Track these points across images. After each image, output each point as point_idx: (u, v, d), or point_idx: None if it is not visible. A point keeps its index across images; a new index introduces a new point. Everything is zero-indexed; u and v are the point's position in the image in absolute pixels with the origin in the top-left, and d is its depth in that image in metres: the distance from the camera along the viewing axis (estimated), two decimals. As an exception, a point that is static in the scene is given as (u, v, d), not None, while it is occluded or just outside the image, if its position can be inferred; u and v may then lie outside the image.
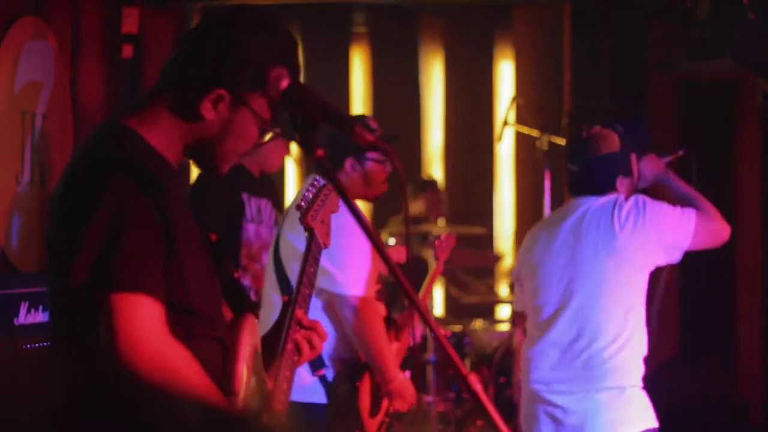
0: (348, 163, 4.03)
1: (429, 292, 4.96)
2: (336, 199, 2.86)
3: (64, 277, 2.12)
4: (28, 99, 5.12)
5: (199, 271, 2.26)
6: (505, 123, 6.62)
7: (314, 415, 3.96)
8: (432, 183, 7.35)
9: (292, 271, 3.98)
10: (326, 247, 2.82)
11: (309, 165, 7.02)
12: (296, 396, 3.97)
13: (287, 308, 2.55)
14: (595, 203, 3.85)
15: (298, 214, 4.16)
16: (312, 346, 2.56)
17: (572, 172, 3.94)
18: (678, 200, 3.94)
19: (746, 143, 6.84)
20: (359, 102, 8.18)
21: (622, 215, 3.78)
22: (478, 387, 1.96)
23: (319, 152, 2.13)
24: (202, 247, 2.34)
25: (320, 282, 3.92)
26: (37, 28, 5.22)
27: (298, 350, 2.52)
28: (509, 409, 6.44)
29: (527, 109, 6.93)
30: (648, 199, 3.84)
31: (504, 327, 7.30)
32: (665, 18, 6.89)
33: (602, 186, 3.87)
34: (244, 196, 4.99)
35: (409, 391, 4.10)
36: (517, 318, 4.28)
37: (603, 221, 3.80)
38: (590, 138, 3.90)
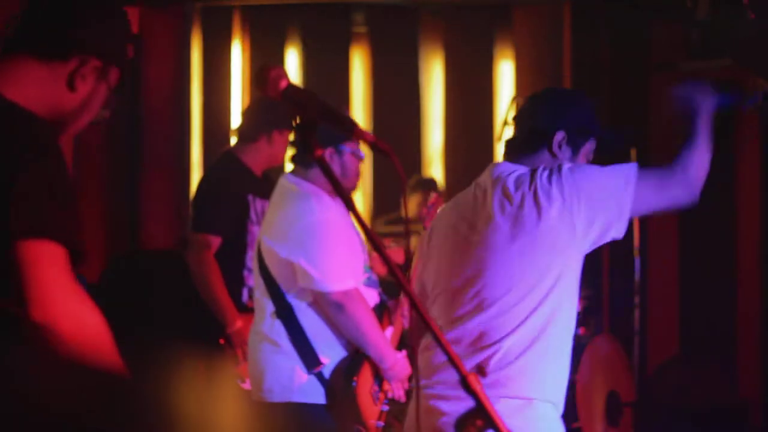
0: (326, 153, 4.04)
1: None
2: None
3: None
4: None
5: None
6: (505, 123, 6.62)
7: (312, 416, 3.96)
8: (427, 182, 7.32)
9: (279, 278, 4.01)
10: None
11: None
12: (294, 396, 3.99)
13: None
14: (510, 175, 3.18)
15: (272, 219, 4.19)
16: None
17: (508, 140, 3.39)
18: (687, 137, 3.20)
19: (746, 143, 6.83)
20: (359, 102, 8.18)
21: (533, 186, 3.09)
22: (478, 387, 1.96)
23: (319, 152, 2.13)
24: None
25: (300, 281, 3.94)
26: (37, 28, 5.21)
27: None
28: (509, 409, 6.44)
29: (527, 109, 6.91)
30: (570, 167, 3.12)
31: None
32: (665, 18, 6.89)
33: (531, 144, 3.24)
34: (249, 197, 5.00)
35: (407, 371, 4.13)
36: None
37: (507, 194, 3.13)
38: (533, 96, 3.37)
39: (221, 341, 4.80)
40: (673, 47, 6.99)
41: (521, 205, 3.09)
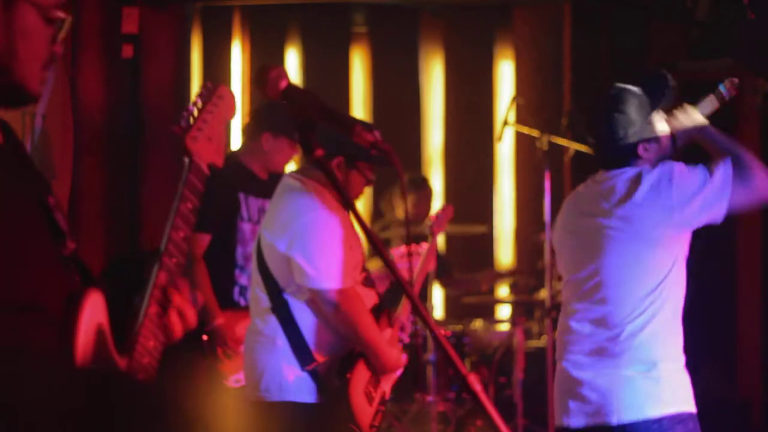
0: (335, 161, 4.04)
1: (425, 271, 4.95)
2: (229, 104, 2.30)
3: None
4: (28, 99, 5.12)
5: (16, 251, 1.90)
6: (505, 123, 6.62)
7: (305, 415, 3.96)
8: (419, 181, 7.30)
9: (277, 274, 4.00)
10: (218, 166, 2.28)
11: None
12: (288, 394, 3.99)
13: (153, 262, 2.19)
14: (618, 178, 3.62)
15: (273, 214, 4.19)
16: (182, 316, 2.12)
17: (593, 146, 3.75)
18: (718, 155, 3.61)
19: (746, 143, 6.82)
20: (359, 102, 8.18)
21: (644, 190, 3.54)
22: (478, 387, 1.97)
23: (319, 152, 2.13)
24: (26, 222, 1.96)
25: (296, 278, 3.94)
26: (37, 28, 5.22)
27: (163, 326, 2.12)
28: (509, 409, 6.44)
29: (527, 109, 6.92)
30: (674, 169, 3.55)
31: (504, 327, 7.30)
32: (665, 18, 6.90)
33: (623, 157, 3.64)
34: (241, 195, 4.99)
35: (401, 362, 4.15)
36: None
37: (623, 193, 3.58)
38: (602, 105, 3.69)
39: (204, 338, 4.81)
40: (673, 47, 7.00)
41: (633, 204, 3.55)
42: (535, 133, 6.43)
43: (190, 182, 2.21)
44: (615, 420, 3.52)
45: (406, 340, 4.45)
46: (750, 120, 6.76)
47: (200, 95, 2.27)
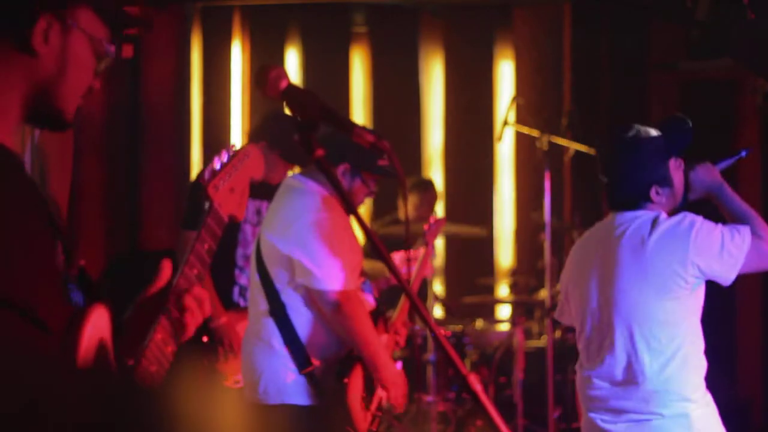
0: (341, 168, 4.03)
1: (421, 277, 4.95)
2: (256, 163, 2.46)
3: None
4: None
5: (26, 263, 1.91)
6: (505, 123, 6.62)
7: (303, 418, 3.95)
8: (424, 183, 7.31)
9: (276, 275, 3.99)
10: (237, 219, 2.44)
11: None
12: (285, 396, 3.99)
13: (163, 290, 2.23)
14: (633, 222, 3.54)
15: (274, 215, 4.17)
16: (196, 314, 2.20)
17: (604, 185, 3.65)
18: (731, 216, 3.59)
19: (746, 143, 6.83)
20: (359, 102, 8.18)
21: (659, 239, 3.48)
22: (478, 387, 1.96)
23: (319, 152, 2.13)
24: (35, 235, 1.97)
25: (299, 278, 3.94)
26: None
27: (178, 328, 2.17)
28: (509, 409, 6.44)
29: (527, 109, 6.92)
30: (693, 221, 3.49)
31: (504, 327, 7.30)
32: (665, 18, 6.89)
33: (635, 199, 3.56)
34: (241, 197, 5.00)
35: (402, 380, 4.10)
36: (566, 329, 4.03)
37: (638, 245, 3.50)
38: (618, 145, 3.60)
39: (204, 339, 4.81)
40: (673, 47, 7.00)
41: (649, 253, 3.47)
42: (535, 133, 6.43)
43: (208, 225, 2.31)
44: None
45: (402, 344, 4.46)
46: (750, 120, 6.77)
47: (227, 151, 2.40)
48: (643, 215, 3.54)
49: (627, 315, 3.51)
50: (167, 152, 7.26)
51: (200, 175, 2.33)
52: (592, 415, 3.60)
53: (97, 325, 2.02)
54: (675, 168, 3.58)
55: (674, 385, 3.49)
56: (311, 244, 3.92)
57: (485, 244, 8.05)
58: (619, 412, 3.54)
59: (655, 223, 3.50)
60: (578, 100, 7.47)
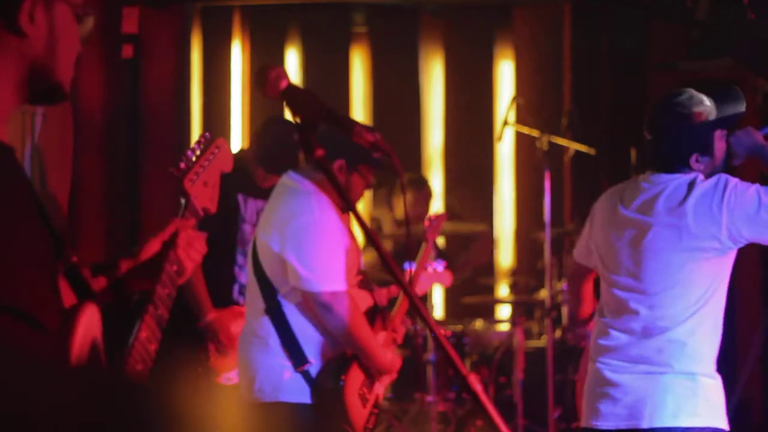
0: (337, 164, 4.03)
1: (421, 273, 4.95)
2: (226, 156, 2.46)
3: None
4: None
5: (18, 260, 1.90)
6: (505, 123, 6.62)
7: (299, 416, 3.96)
8: (418, 180, 7.29)
9: (271, 275, 4.00)
10: (211, 212, 2.47)
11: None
12: (282, 395, 3.99)
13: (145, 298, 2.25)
14: (670, 183, 3.55)
15: (269, 215, 4.17)
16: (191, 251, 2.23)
17: (647, 141, 3.65)
18: None
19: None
20: (359, 102, 8.18)
21: (696, 202, 3.49)
22: (478, 387, 1.96)
23: (319, 152, 2.13)
24: (26, 231, 1.96)
25: (291, 280, 3.94)
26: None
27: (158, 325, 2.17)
28: (509, 409, 6.44)
29: (527, 109, 6.92)
30: (730, 182, 3.51)
31: (504, 327, 7.30)
32: (665, 18, 6.90)
33: (674, 163, 3.57)
34: (240, 197, 5.00)
35: (397, 365, 4.14)
36: (574, 268, 3.93)
37: (675, 206, 3.52)
38: (668, 106, 3.59)
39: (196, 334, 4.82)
40: (673, 47, 6.99)
41: (684, 213, 3.50)
42: (535, 133, 6.43)
43: (186, 219, 2.32)
44: (646, 424, 3.49)
45: (400, 341, 4.46)
46: (750, 120, 6.76)
47: (198, 143, 2.41)
48: (680, 177, 3.55)
49: (657, 273, 3.52)
50: (167, 152, 7.26)
51: (174, 166, 2.39)
52: (600, 365, 3.59)
53: (90, 324, 2.02)
54: (719, 138, 3.59)
55: (691, 341, 3.49)
56: (302, 246, 3.93)
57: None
58: (630, 361, 3.53)
59: (692, 185, 3.51)
60: (578, 100, 7.47)
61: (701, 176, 3.54)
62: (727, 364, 6.76)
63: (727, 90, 3.67)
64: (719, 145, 3.60)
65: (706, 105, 3.58)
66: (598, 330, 3.67)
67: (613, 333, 3.59)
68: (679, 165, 3.57)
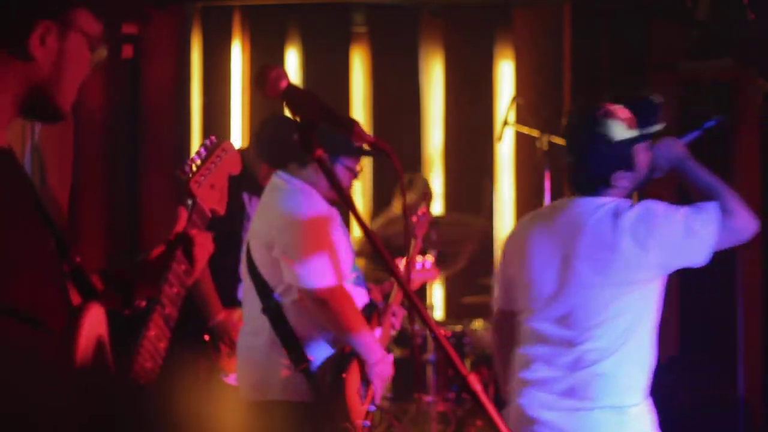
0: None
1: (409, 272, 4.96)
2: (234, 159, 2.50)
3: None
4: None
5: (22, 262, 1.93)
6: (505, 123, 6.61)
7: (299, 414, 3.96)
8: (412, 178, 7.27)
9: (267, 274, 4.01)
10: (219, 214, 2.49)
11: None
12: (281, 393, 4.00)
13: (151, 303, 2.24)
14: (590, 208, 3.39)
15: (261, 214, 4.18)
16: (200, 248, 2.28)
17: (567, 164, 3.49)
18: (697, 192, 3.41)
19: (746, 143, 6.83)
20: (359, 102, 8.18)
21: (622, 230, 3.32)
22: (478, 387, 1.97)
23: (319, 152, 2.14)
24: (34, 233, 2.00)
25: (285, 277, 3.95)
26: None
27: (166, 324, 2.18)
28: (509, 409, 6.45)
29: (527, 109, 6.92)
30: (657, 209, 3.35)
31: (504, 327, 7.29)
32: (665, 18, 6.90)
33: (595, 183, 3.40)
34: (245, 196, 5.01)
35: (390, 371, 4.12)
36: (499, 317, 3.64)
37: (599, 235, 3.34)
38: (587, 124, 3.40)
39: (205, 337, 4.81)
40: (672, 47, 6.99)
41: (609, 247, 3.33)
42: (535, 133, 6.43)
43: (193, 221, 2.36)
44: None
45: (398, 326, 4.45)
46: (750, 120, 6.76)
47: (204, 146, 2.43)
48: (605, 204, 3.38)
49: (583, 308, 3.35)
50: (167, 152, 7.26)
51: (180, 168, 2.39)
52: (523, 400, 3.41)
53: (94, 323, 2.03)
54: (642, 150, 3.43)
55: (620, 372, 3.34)
56: (295, 244, 3.95)
57: (485, 244, 8.04)
58: (556, 395, 3.36)
59: (617, 214, 3.34)
60: (578, 100, 7.47)
61: (625, 202, 3.40)
62: (727, 363, 6.78)
63: (645, 100, 3.50)
64: (642, 157, 3.42)
65: (622, 118, 3.40)
66: (519, 362, 3.47)
67: (537, 366, 3.40)
68: (601, 185, 3.41)
